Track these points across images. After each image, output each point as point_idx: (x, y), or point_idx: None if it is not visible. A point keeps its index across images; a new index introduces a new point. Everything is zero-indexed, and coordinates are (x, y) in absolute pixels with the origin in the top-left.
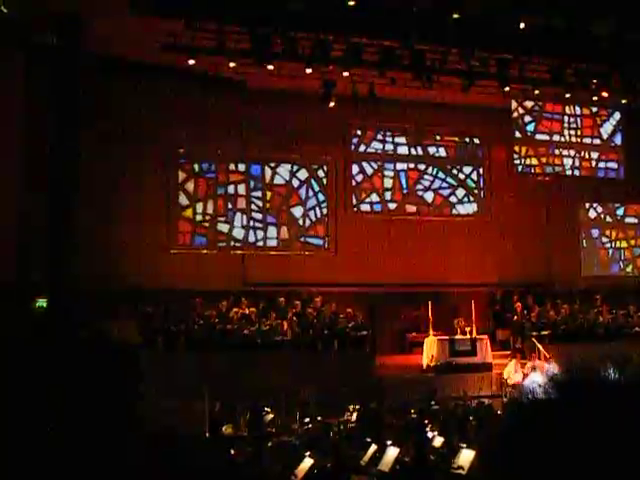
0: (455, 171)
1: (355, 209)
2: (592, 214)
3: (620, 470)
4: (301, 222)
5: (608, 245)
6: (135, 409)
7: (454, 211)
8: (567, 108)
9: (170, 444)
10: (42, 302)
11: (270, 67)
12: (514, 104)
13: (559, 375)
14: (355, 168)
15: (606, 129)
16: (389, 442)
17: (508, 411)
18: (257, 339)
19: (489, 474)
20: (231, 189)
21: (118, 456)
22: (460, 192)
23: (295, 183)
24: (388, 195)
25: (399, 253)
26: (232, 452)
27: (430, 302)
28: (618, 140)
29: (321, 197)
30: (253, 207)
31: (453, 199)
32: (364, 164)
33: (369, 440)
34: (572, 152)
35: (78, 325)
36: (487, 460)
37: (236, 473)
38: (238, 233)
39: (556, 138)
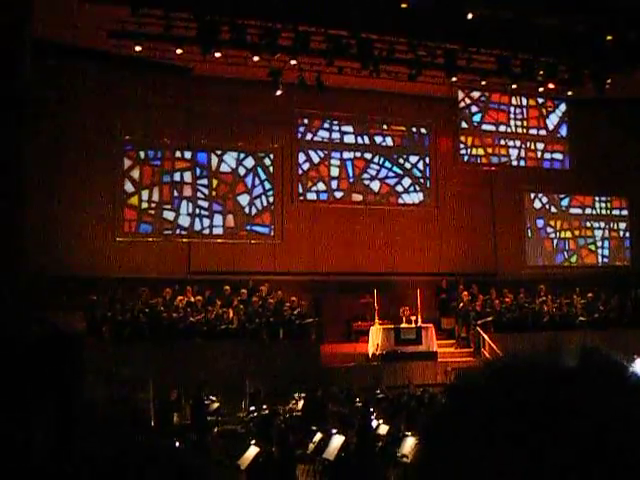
0: (401, 160)
1: (301, 198)
2: (537, 204)
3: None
4: (247, 210)
5: (553, 235)
6: (76, 397)
7: (400, 200)
8: (513, 99)
9: (114, 433)
10: None
11: (217, 54)
12: (461, 94)
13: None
14: (302, 156)
15: (552, 120)
16: (334, 430)
17: (446, 397)
18: (203, 327)
19: (425, 461)
20: (177, 177)
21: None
22: (406, 181)
23: (241, 171)
24: (334, 184)
25: (345, 242)
26: (176, 441)
27: (376, 291)
28: (564, 131)
29: (267, 185)
30: (199, 195)
31: (399, 188)
32: (311, 152)
33: (314, 428)
34: (518, 143)
35: (20, 313)
36: (423, 447)
37: (178, 461)
38: (184, 221)
39: (502, 129)
